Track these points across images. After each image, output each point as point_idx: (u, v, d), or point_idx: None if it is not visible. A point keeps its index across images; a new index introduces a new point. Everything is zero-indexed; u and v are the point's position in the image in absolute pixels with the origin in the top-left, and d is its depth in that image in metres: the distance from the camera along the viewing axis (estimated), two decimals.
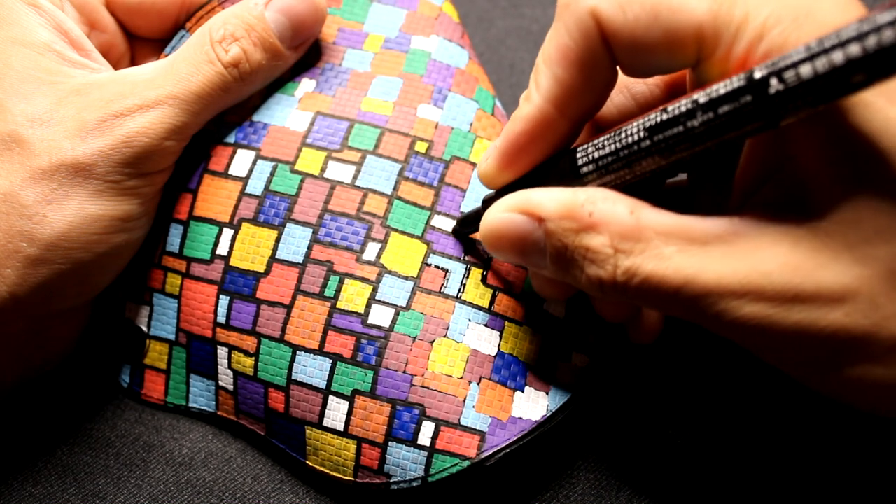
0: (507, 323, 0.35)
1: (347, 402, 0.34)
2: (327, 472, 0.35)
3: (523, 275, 0.36)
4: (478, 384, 0.34)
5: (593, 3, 0.28)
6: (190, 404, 0.38)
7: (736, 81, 0.24)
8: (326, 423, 0.35)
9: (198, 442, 0.38)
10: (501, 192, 0.33)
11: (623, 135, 0.28)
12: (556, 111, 0.30)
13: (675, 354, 0.39)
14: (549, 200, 0.28)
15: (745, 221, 0.26)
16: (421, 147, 0.37)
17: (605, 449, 0.37)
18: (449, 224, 0.36)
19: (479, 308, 0.35)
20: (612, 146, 0.28)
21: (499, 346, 0.35)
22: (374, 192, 0.36)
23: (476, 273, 0.36)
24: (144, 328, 0.38)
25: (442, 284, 0.35)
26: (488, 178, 0.32)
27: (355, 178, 0.37)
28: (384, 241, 0.36)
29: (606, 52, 0.29)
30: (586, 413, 0.38)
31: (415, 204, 0.36)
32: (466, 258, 0.36)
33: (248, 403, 0.36)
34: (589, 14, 0.28)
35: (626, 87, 0.34)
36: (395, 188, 0.37)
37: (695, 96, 0.26)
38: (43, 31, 0.35)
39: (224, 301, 0.36)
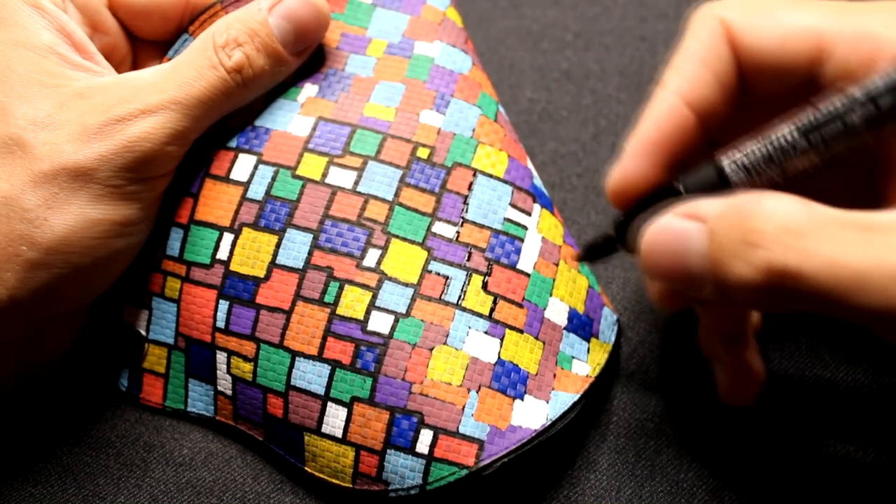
0: (507, 330, 0.35)
1: (346, 409, 0.34)
2: (326, 478, 0.35)
3: (525, 282, 0.36)
4: (477, 392, 0.34)
5: (722, 13, 0.31)
6: (188, 408, 0.38)
7: (893, 73, 0.25)
8: (325, 429, 0.35)
9: (198, 442, 0.38)
10: (631, 213, 0.32)
11: (773, 138, 0.28)
12: (683, 104, 0.31)
13: (676, 358, 0.39)
14: (712, 203, 0.27)
15: None
16: (423, 153, 0.37)
17: (605, 455, 0.37)
18: (450, 230, 0.36)
19: (480, 315, 0.35)
20: (763, 149, 0.28)
21: (499, 353, 0.35)
22: (375, 198, 0.36)
23: (477, 280, 0.36)
24: (143, 332, 0.38)
25: (442, 291, 0.35)
26: (621, 184, 0.32)
27: (356, 183, 0.37)
28: (384, 248, 0.36)
29: (731, 52, 0.31)
30: (587, 420, 0.38)
31: (416, 210, 0.36)
32: (467, 265, 0.36)
33: (247, 409, 0.36)
34: (718, 21, 0.31)
35: None
36: (397, 194, 0.37)
37: (850, 92, 0.26)
38: (45, 34, 0.35)
39: (223, 306, 0.36)
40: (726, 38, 0.31)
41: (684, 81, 0.31)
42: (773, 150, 0.28)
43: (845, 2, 0.29)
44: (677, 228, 0.28)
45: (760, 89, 0.31)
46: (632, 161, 0.31)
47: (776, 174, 0.28)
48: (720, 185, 0.29)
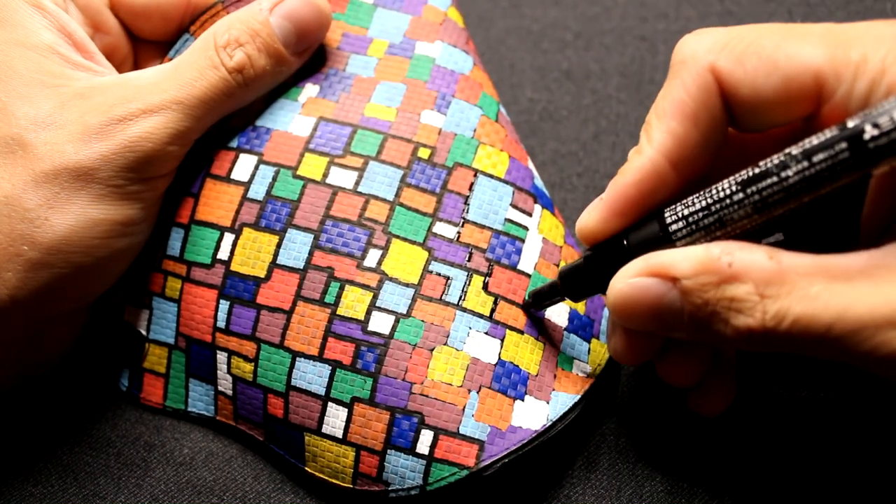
0: (508, 331, 0.35)
1: (346, 410, 0.34)
2: (326, 478, 0.35)
3: (525, 283, 0.36)
4: (477, 393, 0.34)
5: (712, 59, 0.29)
6: (189, 408, 0.38)
7: (829, 132, 0.25)
8: (325, 429, 0.35)
9: (198, 442, 0.38)
10: (587, 265, 0.33)
11: (714, 191, 0.28)
12: (668, 164, 0.30)
13: None
14: (682, 259, 0.28)
15: (887, 254, 0.26)
16: (423, 153, 0.37)
17: (606, 454, 0.37)
18: (451, 231, 0.36)
19: (480, 316, 0.35)
20: (703, 202, 0.28)
21: (499, 354, 0.35)
22: (376, 198, 0.36)
23: (478, 280, 0.36)
24: (144, 332, 0.38)
25: (443, 292, 0.35)
26: (589, 231, 0.32)
27: (357, 184, 0.37)
28: (385, 248, 0.36)
29: (723, 107, 0.29)
30: (588, 420, 0.38)
31: (417, 210, 0.36)
32: (468, 265, 0.36)
33: (247, 409, 0.36)
34: (708, 70, 0.29)
35: None
36: (397, 194, 0.37)
37: (788, 150, 0.26)
38: (46, 34, 0.35)
39: (224, 306, 0.36)
40: (717, 91, 0.29)
41: (669, 139, 0.30)
42: (712, 202, 0.28)
43: (838, 24, 0.28)
44: (648, 288, 0.29)
45: (753, 126, 0.31)
46: (604, 213, 0.32)
47: (716, 228, 0.28)
48: (664, 239, 0.30)
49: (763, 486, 0.36)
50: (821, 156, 0.25)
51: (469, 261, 0.36)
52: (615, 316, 0.30)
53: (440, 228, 0.36)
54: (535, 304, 0.36)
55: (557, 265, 0.37)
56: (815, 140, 0.25)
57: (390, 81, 0.39)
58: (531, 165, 0.40)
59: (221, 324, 0.36)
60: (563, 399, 0.35)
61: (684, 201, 0.29)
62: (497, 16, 0.48)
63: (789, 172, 0.26)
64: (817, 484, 0.36)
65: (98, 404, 0.39)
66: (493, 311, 0.35)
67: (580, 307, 0.37)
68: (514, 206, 0.37)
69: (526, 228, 0.37)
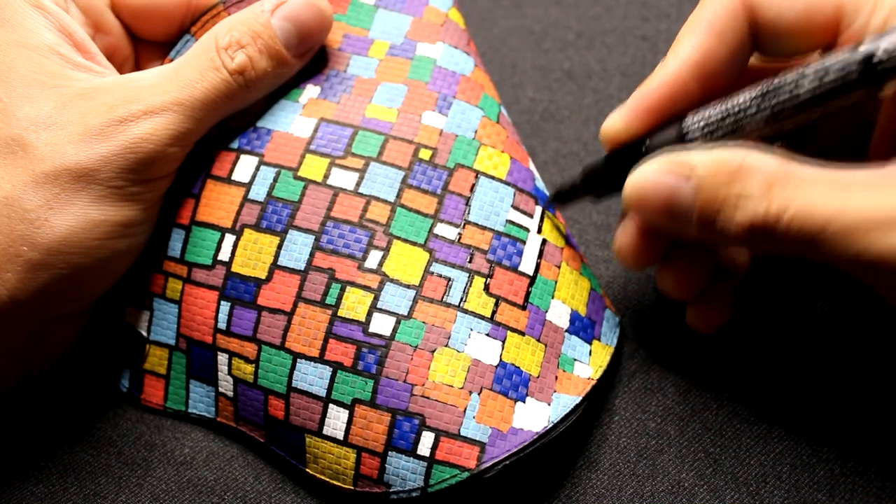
0: (509, 333, 0.35)
1: (347, 411, 0.34)
2: (327, 480, 0.35)
3: (526, 284, 0.36)
4: (478, 394, 0.34)
5: None
6: (189, 410, 0.38)
7: (842, 53, 0.28)
8: (326, 431, 0.35)
9: (199, 441, 0.38)
10: (607, 164, 0.35)
11: (730, 102, 0.30)
12: (689, 75, 0.33)
13: (677, 358, 0.39)
14: (700, 157, 0.30)
15: (888, 171, 0.27)
16: (425, 154, 0.37)
17: (607, 454, 0.37)
18: (452, 232, 0.36)
19: (482, 317, 0.35)
20: (719, 113, 0.31)
21: (500, 355, 0.35)
22: (377, 199, 0.36)
23: (479, 282, 0.36)
24: (144, 333, 0.38)
25: (444, 293, 0.35)
26: (612, 132, 0.34)
27: (358, 185, 0.37)
28: (386, 249, 0.36)
29: (748, 29, 0.32)
30: (589, 419, 0.38)
31: (418, 212, 0.36)
32: (469, 266, 0.36)
33: (248, 410, 0.36)
34: None
35: None
36: (399, 196, 0.37)
37: (802, 68, 0.28)
38: (47, 34, 0.35)
39: (225, 307, 0.36)
40: (744, 14, 0.31)
41: (696, 52, 0.32)
42: (727, 114, 0.30)
43: None
44: (664, 181, 0.31)
45: (776, 51, 0.33)
46: (627, 116, 0.34)
47: (731, 136, 0.31)
48: (678, 140, 0.32)
49: (765, 484, 0.36)
50: (832, 74, 0.27)
51: (470, 262, 0.36)
52: (630, 205, 0.32)
53: (441, 230, 0.36)
54: (558, 200, 0.38)
55: (558, 266, 0.37)
56: (827, 60, 0.28)
57: (391, 82, 0.39)
58: (532, 167, 0.40)
59: (222, 325, 0.36)
60: (564, 401, 0.35)
61: (702, 110, 0.32)
62: (498, 15, 0.48)
63: (802, 87, 0.28)
64: (819, 480, 0.36)
65: (99, 404, 0.39)
66: (494, 312, 0.35)
67: (582, 309, 0.37)
68: (515, 207, 0.37)
69: (527, 230, 0.37)
